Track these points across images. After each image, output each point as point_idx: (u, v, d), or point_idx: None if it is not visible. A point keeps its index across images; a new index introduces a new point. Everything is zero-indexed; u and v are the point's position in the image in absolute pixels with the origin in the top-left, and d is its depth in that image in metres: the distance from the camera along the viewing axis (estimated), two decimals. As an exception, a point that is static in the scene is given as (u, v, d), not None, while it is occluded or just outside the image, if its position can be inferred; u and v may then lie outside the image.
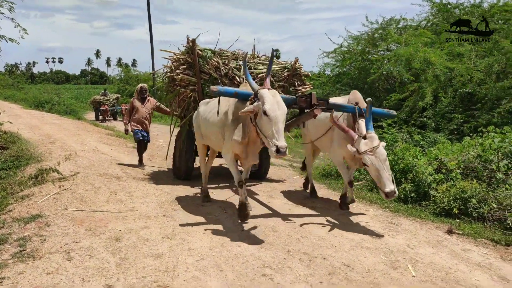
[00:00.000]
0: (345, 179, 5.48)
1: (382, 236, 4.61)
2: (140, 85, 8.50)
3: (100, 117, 20.12)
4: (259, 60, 7.11)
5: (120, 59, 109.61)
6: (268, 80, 4.43)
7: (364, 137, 4.69)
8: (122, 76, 31.73)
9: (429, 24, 13.81)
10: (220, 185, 7.00)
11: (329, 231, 4.74)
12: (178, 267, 3.58)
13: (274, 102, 4.02)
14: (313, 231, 4.71)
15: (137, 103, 8.28)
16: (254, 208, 5.50)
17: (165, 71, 7.46)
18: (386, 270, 3.71)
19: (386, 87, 12.89)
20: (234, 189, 6.67)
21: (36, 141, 10.28)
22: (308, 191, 6.68)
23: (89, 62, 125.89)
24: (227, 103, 4.77)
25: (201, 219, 5.01)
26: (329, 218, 5.26)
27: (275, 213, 5.45)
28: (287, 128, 5.28)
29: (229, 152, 4.75)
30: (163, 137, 12.82)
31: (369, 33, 14.37)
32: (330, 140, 5.53)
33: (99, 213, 5.00)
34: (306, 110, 5.03)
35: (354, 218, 5.31)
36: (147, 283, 3.28)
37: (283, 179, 7.83)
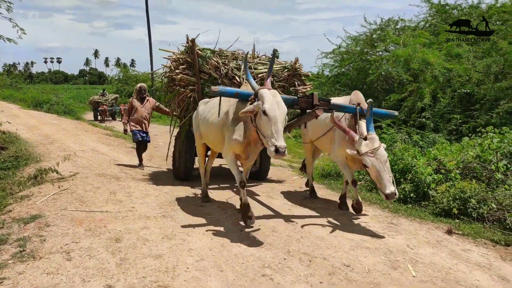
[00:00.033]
0: (348, 179, 5.40)
1: (382, 236, 4.62)
2: (139, 84, 8.46)
3: (99, 117, 20.09)
4: (259, 60, 7.09)
5: (118, 59, 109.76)
6: (269, 81, 4.41)
7: (365, 138, 4.68)
8: (121, 76, 31.76)
9: (427, 25, 13.84)
10: (220, 185, 7.00)
11: (329, 231, 4.75)
12: (178, 267, 3.58)
13: (273, 102, 4.01)
14: (313, 232, 4.71)
15: (136, 103, 8.24)
16: (254, 208, 5.47)
17: (164, 71, 7.44)
18: (386, 270, 3.71)
19: (385, 88, 12.90)
20: (235, 189, 6.67)
21: (35, 141, 10.25)
22: (305, 188, 6.69)
23: (87, 62, 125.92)
24: (228, 103, 4.77)
25: (201, 219, 5.01)
26: (329, 219, 5.27)
27: (274, 214, 5.45)
28: (288, 128, 5.28)
29: (229, 153, 4.73)
30: (162, 137, 12.82)
31: (368, 33, 14.39)
32: (331, 141, 5.51)
33: (98, 213, 4.99)
34: (307, 111, 5.01)
35: (353, 218, 5.31)
36: (147, 283, 3.27)
37: (283, 180, 7.83)
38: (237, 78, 6.58)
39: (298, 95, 5.01)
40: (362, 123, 4.95)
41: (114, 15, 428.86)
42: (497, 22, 11.69)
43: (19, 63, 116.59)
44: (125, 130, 8.38)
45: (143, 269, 3.51)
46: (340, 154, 5.32)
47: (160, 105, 8.48)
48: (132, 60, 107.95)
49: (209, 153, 6.51)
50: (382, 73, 12.30)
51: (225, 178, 7.43)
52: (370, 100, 4.95)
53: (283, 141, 3.87)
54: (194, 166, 7.21)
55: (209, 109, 5.33)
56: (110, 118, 20.71)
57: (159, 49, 7.34)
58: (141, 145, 8.31)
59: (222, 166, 8.86)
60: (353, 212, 5.46)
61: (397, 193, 4.52)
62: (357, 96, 5.28)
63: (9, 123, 10.35)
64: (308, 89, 7.30)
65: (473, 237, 4.67)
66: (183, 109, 6.97)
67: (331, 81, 15.09)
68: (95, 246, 3.96)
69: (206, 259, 3.79)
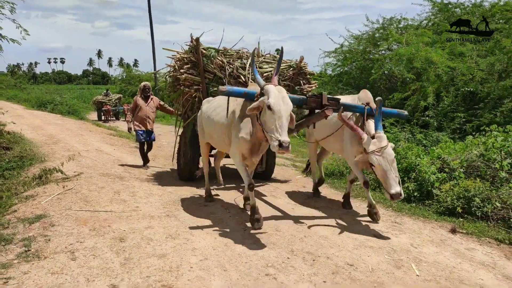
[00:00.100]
0: (360, 180, 5.26)
1: (386, 235, 4.61)
2: (143, 83, 8.42)
3: (103, 117, 20.15)
4: (264, 58, 7.03)
5: (121, 59, 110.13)
6: (276, 78, 4.38)
7: (373, 137, 4.62)
8: (124, 76, 31.80)
9: (430, 24, 13.79)
10: (226, 186, 6.98)
11: (333, 230, 4.75)
12: (182, 267, 3.59)
13: (279, 96, 3.98)
14: (317, 231, 4.71)
15: (140, 102, 8.20)
16: (258, 207, 5.50)
17: (168, 70, 7.42)
18: (390, 269, 3.71)
19: (388, 87, 12.88)
20: (241, 190, 6.66)
21: (39, 142, 10.32)
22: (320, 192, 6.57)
23: (91, 62, 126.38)
24: (234, 102, 4.75)
25: (204, 218, 5.02)
26: (332, 218, 5.26)
27: (278, 213, 5.45)
28: (297, 128, 5.25)
29: (237, 153, 4.69)
30: (165, 137, 12.86)
31: (370, 32, 14.37)
32: (340, 140, 5.39)
33: (103, 213, 5.02)
34: (316, 111, 4.96)
35: (357, 217, 5.31)
36: (151, 282, 3.29)
37: (286, 179, 7.83)
38: (242, 78, 6.52)
39: (307, 95, 4.94)
40: (370, 122, 4.87)
41: (115, 15, 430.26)
42: (500, 21, 11.64)
43: (22, 64, 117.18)
44: (129, 129, 8.38)
45: (147, 269, 3.52)
46: (352, 152, 5.15)
47: (164, 104, 8.47)
48: (135, 60, 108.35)
49: (213, 152, 6.53)
50: (385, 72, 12.29)
51: (229, 178, 7.43)
52: (379, 98, 4.83)
53: (287, 136, 3.85)
54: (199, 166, 7.21)
55: (213, 108, 5.32)
56: (114, 118, 20.76)
57: (163, 49, 7.28)
58: (144, 146, 8.30)
59: (226, 166, 8.86)
60: (369, 218, 5.16)
61: (403, 194, 4.46)
62: (366, 95, 5.16)
63: (14, 123, 10.38)
64: (313, 87, 7.26)
65: (477, 236, 4.66)
66: (187, 109, 6.94)
67: (334, 80, 15.09)
68: (100, 245, 3.98)
69: (209, 258, 3.80)
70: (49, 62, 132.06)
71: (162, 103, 8.44)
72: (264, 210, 5.49)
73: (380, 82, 12.89)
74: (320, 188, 6.61)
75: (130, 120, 8.31)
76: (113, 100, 21.06)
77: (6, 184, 6.18)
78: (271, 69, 6.67)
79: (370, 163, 4.59)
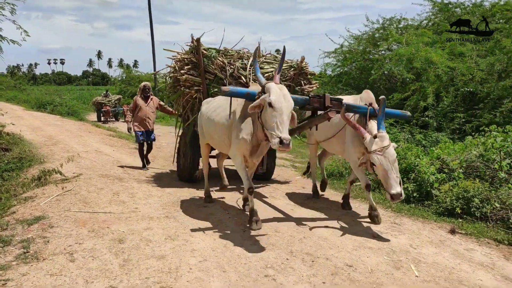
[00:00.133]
0: (362, 182, 5.23)
1: (385, 236, 4.61)
2: (143, 83, 8.38)
3: (102, 118, 20.15)
4: (265, 59, 7.01)
5: (121, 60, 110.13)
6: (278, 76, 4.37)
7: (375, 136, 4.57)
8: (124, 77, 31.78)
9: (430, 24, 13.81)
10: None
11: (332, 231, 4.75)
12: (181, 268, 3.59)
13: (280, 94, 3.97)
14: (316, 232, 4.71)
15: (140, 102, 8.16)
16: (257, 208, 5.48)
17: (168, 71, 7.39)
18: (389, 270, 3.71)
19: (388, 87, 12.88)
20: (241, 191, 6.65)
21: (39, 143, 10.31)
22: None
23: (90, 63, 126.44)
24: (235, 103, 4.74)
25: (203, 220, 5.02)
26: (332, 219, 5.26)
27: (277, 214, 5.45)
28: (299, 130, 5.22)
29: (237, 154, 4.68)
30: (165, 138, 12.85)
31: (370, 33, 14.38)
32: (341, 142, 5.35)
33: (102, 214, 5.01)
34: (319, 112, 4.94)
35: (356, 218, 5.30)
36: (150, 284, 3.28)
37: (286, 180, 7.83)
38: (243, 78, 6.49)
39: (310, 95, 4.89)
40: (373, 123, 4.83)
41: (114, 15, 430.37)
42: (501, 20, 11.65)
43: (22, 65, 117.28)
44: (129, 129, 8.36)
45: (146, 270, 3.52)
46: (354, 153, 5.11)
47: (164, 104, 8.45)
48: (135, 60, 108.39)
49: (213, 153, 6.51)
50: (385, 72, 12.29)
51: (229, 179, 7.41)
52: (383, 97, 4.76)
53: (288, 134, 3.83)
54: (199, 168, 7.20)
55: (213, 108, 5.31)
56: (113, 119, 20.77)
57: (164, 49, 7.24)
58: (143, 147, 8.29)
59: (225, 166, 8.84)
60: (370, 220, 5.12)
61: (403, 195, 4.43)
62: (369, 95, 5.13)
63: (13, 124, 10.40)
64: (314, 88, 7.25)
65: (476, 236, 4.65)
66: (187, 110, 6.91)
67: (334, 80, 15.10)
68: (99, 247, 3.98)
69: (209, 259, 3.80)
70: (48, 63, 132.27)
71: (162, 103, 8.40)
72: (263, 211, 5.49)
73: (380, 83, 12.90)
74: (319, 189, 6.58)
75: (130, 120, 8.29)
76: (113, 101, 21.08)
77: (5, 186, 6.18)
78: (272, 69, 6.65)
79: (372, 162, 4.55)
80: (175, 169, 7.68)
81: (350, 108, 4.93)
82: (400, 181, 4.48)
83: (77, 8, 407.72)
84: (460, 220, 5.14)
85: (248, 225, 4.76)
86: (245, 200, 5.48)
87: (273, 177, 7.78)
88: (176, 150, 7.51)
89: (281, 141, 3.73)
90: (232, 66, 6.58)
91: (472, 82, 9.67)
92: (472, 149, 6.30)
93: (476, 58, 10.22)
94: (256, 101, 4.08)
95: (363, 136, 4.67)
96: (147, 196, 5.98)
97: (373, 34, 14.28)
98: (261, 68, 6.70)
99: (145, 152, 8.37)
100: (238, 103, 4.70)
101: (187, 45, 6.79)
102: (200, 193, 6.32)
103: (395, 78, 12.30)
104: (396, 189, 4.34)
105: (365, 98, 5.12)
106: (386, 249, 4.22)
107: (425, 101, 9.81)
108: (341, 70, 15.03)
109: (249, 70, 6.53)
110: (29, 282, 3.25)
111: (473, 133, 7.52)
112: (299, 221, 5.08)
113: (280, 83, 4.27)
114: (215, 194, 6.32)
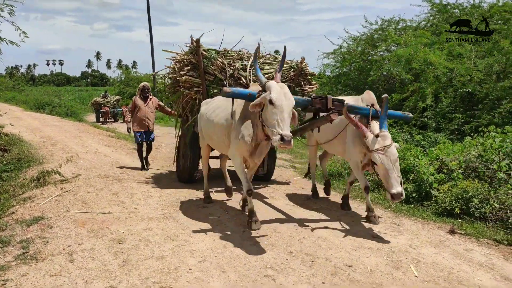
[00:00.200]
0: (361, 184, 5.23)
1: (384, 236, 4.61)
2: (142, 83, 8.33)
3: (101, 119, 20.13)
4: (265, 59, 6.99)
5: (120, 61, 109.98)
6: (279, 75, 4.37)
7: (377, 136, 4.54)
8: (123, 78, 31.71)
9: (428, 25, 13.83)
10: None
11: (331, 231, 4.75)
12: (181, 269, 3.59)
13: (281, 92, 3.97)
14: (315, 232, 4.71)
15: (139, 102, 8.12)
16: (256, 209, 5.46)
17: (168, 72, 7.38)
18: (388, 271, 3.71)
19: (386, 88, 12.89)
20: (241, 192, 6.63)
21: (38, 143, 10.30)
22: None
23: (89, 64, 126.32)
24: (235, 103, 4.72)
25: (203, 220, 5.02)
26: (331, 219, 5.26)
27: (277, 214, 5.45)
28: (301, 132, 5.20)
29: (236, 155, 4.67)
30: (164, 138, 12.84)
31: (369, 34, 14.41)
32: (342, 143, 5.33)
33: (101, 214, 5.01)
34: (321, 114, 4.92)
35: (356, 219, 5.31)
36: (149, 284, 3.28)
37: (285, 180, 7.83)
38: (243, 79, 6.47)
39: (312, 96, 4.86)
40: (375, 123, 4.80)
41: (114, 16, 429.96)
42: (499, 21, 11.68)
43: (21, 66, 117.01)
44: (128, 129, 8.34)
45: (146, 270, 3.52)
46: (355, 153, 5.09)
47: (164, 105, 8.43)
48: (134, 61, 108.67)
49: (216, 154, 6.49)
50: (384, 73, 12.31)
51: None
52: (386, 95, 4.71)
53: (289, 131, 3.82)
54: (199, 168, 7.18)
55: (212, 109, 5.30)
56: (112, 120, 20.75)
57: (163, 50, 7.22)
58: (142, 147, 8.27)
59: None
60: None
61: (404, 194, 4.40)
62: (370, 96, 5.11)
63: (12, 125, 10.38)
64: (314, 88, 7.24)
65: (475, 236, 4.66)
66: (187, 111, 6.89)
67: (333, 81, 15.11)
68: (98, 247, 3.98)
69: (208, 260, 3.80)
70: (47, 64, 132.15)
71: (161, 103, 8.38)
72: (263, 211, 5.49)
73: (379, 83, 12.91)
74: (319, 189, 6.58)
75: (129, 120, 8.27)
76: (112, 101, 21.05)
77: (4, 186, 6.16)
78: (272, 70, 6.64)
79: (373, 161, 4.53)
80: (175, 169, 7.67)
81: (352, 109, 4.90)
82: (401, 181, 4.46)
83: (77, 10, 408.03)
84: (459, 220, 5.15)
85: (247, 226, 4.76)
86: (245, 200, 5.48)
87: (272, 177, 7.78)
88: (176, 151, 7.49)
89: (282, 138, 3.73)
90: (232, 67, 6.55)
91: (471, 83, 9.69)
92: (471, 149, 6.31)
93: (475, 59, 10.24)
94: (257, 99, 4.07)
95: (365, 134, 4.63)
96: (146, 197, 5.97)
97: (372, 35, 14.30)
98: (261, 69, 6.65)
99: (144, 153, 8.35)
100: (237, 104, 4.70)
101: (186, 46, 6.77)
102: (199, 194, 6.31)
103: (393, 79, 12.32)
104: (397, 188, 4.32)
105: (367, 99, 5.11)
106: (386, 249, 4.22)
107: (424, 102, 9.83)
108: (340, 71, 15.04)
109: (249, 71, 6.53)
110: (28, 282, 3.24)
111: (472, 134, 7.54)
112: (298, 222, 5.08)
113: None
114: (214, 195, 6.31)
